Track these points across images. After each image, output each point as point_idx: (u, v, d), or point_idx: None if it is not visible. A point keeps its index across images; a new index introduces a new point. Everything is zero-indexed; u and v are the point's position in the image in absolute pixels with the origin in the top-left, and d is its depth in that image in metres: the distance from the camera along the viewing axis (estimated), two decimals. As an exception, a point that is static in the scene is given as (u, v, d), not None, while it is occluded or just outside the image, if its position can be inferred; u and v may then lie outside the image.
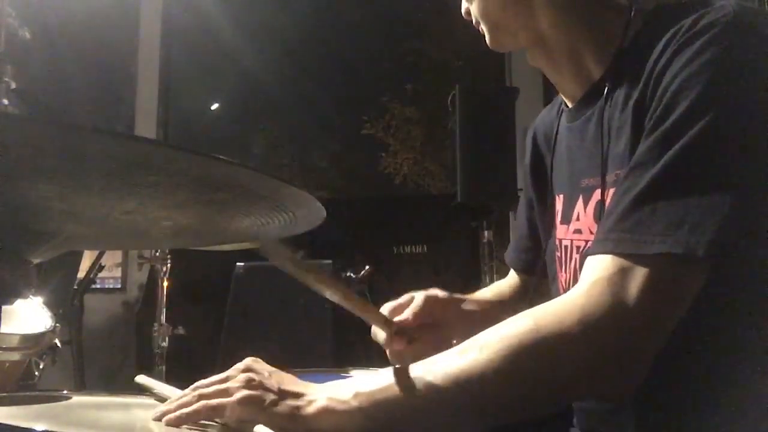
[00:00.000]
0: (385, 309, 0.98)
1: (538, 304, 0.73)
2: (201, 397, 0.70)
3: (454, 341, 0.77)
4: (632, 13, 0.81)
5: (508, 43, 0.93)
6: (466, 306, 1.07)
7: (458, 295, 1.06)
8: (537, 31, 0.88)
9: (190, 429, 0.67)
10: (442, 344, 0.99)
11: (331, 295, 0.77)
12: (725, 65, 0.69)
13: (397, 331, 0.94)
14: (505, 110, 2.64)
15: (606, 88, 0.82)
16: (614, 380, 0.69)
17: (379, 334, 0.95)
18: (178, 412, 0.69)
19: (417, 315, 0.96)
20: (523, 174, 1.16)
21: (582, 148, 0.89)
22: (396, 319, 0.95)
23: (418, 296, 0.99)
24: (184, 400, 0.70)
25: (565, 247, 0.92)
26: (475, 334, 1.07)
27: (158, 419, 0.69)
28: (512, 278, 1.18)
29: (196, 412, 0.68)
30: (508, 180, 2.56)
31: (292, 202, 0.65)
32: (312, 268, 0.71)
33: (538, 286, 1.12)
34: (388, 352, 0.96)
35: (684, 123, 0.68)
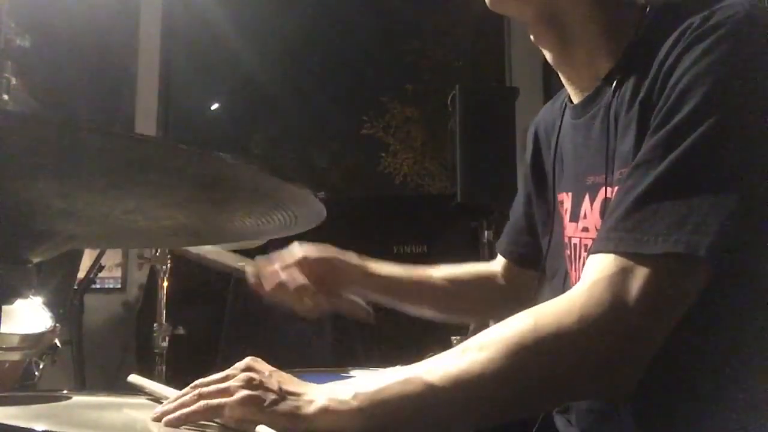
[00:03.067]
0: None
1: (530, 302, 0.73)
2: (201, 396, 0.69)
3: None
4: (646, 10, 0.80)
5: (511, 7, 0.89)
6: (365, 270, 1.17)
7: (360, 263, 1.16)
8: (555, 6, 0.85)
9: (190, 429, 0.67)
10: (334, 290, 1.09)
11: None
12: (734, 65, 0.69)
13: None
14: (505, 110, 2.64)
15: (613, 85, 0.81)
16: (613, 379, 0.69)
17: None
18: (177, 413, 0.68)
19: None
20: (523, 169, 1.17)
21: (587, 145, 0.88)
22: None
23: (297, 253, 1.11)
24: (184, 399, 0.70)
25: (574, 245, 0.92)
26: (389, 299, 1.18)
27: (158, 419, 0.69)
28: (492, 267, 1.22)
29: (195, 412, 0.68)
30: (508, 180, 2.56)
31: (292, 201, 0.65)
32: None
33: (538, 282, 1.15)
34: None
35: (690, 122, 0.68)
